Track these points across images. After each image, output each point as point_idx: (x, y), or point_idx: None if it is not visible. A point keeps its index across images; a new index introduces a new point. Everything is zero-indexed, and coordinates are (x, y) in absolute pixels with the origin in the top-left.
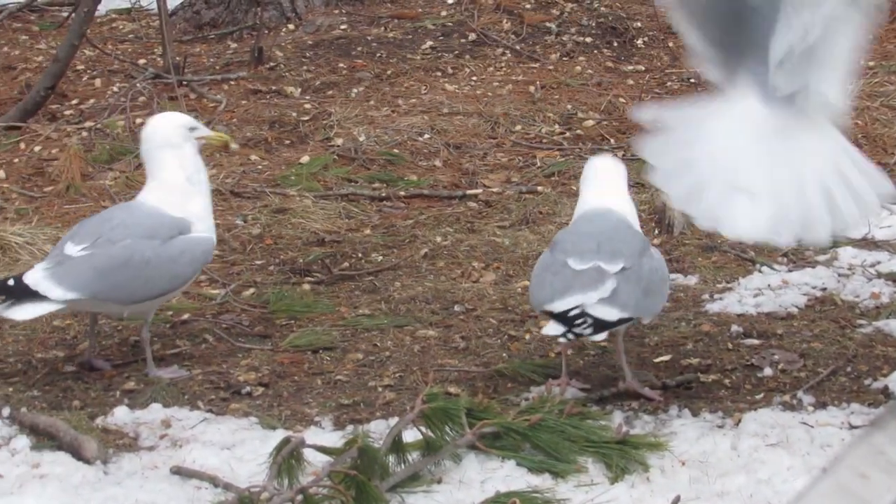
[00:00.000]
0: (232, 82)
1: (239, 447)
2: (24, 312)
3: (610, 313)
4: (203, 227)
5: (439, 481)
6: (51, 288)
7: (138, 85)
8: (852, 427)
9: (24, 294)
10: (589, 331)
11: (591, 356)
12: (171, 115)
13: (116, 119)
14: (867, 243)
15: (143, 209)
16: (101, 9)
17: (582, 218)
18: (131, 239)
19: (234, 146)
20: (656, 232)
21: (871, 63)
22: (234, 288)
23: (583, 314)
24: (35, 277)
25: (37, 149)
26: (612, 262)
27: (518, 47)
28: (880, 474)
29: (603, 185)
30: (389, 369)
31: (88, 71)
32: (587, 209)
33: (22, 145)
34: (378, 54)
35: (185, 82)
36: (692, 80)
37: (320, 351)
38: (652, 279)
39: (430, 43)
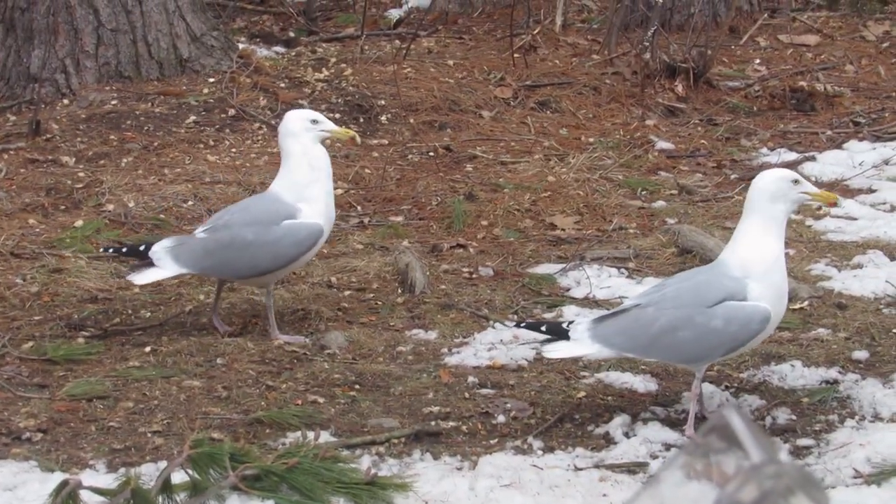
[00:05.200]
0: (11, 152)
1: (20, 488)
2: (144, 278)
3: None
4: (313, 212)
5: None
6: (167, 263)
7: None
8: (577, 469)
9: (146, 263)
10: None
11: (340, 404)
12: (298, 110)
13: None
14: (589, 302)
15: (263, 197)
16: None
17: None
18: (238, 224)
19: (359, 141)
20: (399, 291)
21: (591, 139)
22: (15, 341)
23: None
24: (157, 251)
25: None
26: None
27: (273, 122)
28: None
29: None
30: (158, 416)
31: None
32: None
33: None
34: (146, 127)
35: None
36: (431, 154)
37: (94, 400)
38: None
39: (193, 117)
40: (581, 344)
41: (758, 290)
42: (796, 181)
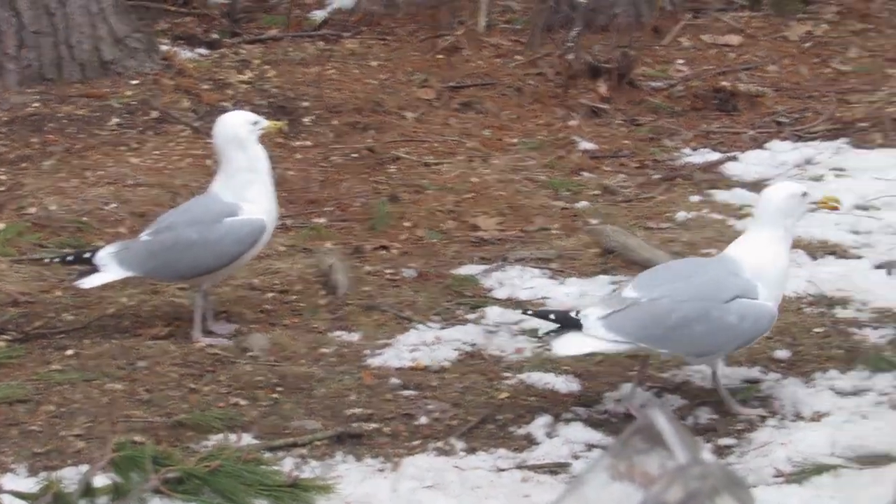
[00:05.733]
0: None
1: None
2: (90, 282)
3: None
4: (254, 209)
5: None
6: (113, 267)
7: None
8: (500, 470)
9: (92, 269)
10: None
11: (263, 407)
12: (235, 112)
13: None
14: (512, 303)
15: (204, 198)
16: None
17: None
18: (181, 225)
19: (286, 129)
20: (322, 293)
21: (515, 140)
22: None
23: None
24: (102, 256)
25: None
26: None
27: (196, 125)
28: None
29: None
30: (80, 420)
31: None
32: None
33: None
34: (68, 130)
35: None
36: (354, 156)
37: (15, 403)
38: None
39: (116, 120)
40: (596, 334)
41: (765, 293)
42: (804, 194)
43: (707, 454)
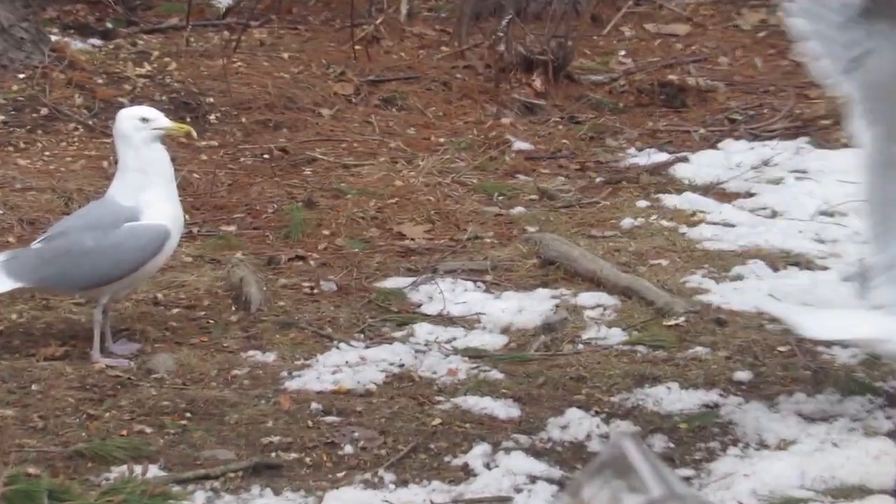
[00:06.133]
0: None
1: None
2: None
3: None
4: (156, 214)
5: None
6: (1, 278)
7: None
8: None
9: None
10: None
11: (170, 435)
12: (129, 108)
13: None
14: (442, 319)
15: (101, 202)
16: None
17: None
18: (75, 230)
19: (194, 134)
20: (233, 309)
21: (442, 140)
22: None
23: None
24: None
25: None
26: None
27: (91, 122)
28: None
29: None
30: None
31: None
32: None
33: None
34: None
35: None
36: (265, 157)
37: None
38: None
39: (1, 117)
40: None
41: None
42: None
43: (683, 485)
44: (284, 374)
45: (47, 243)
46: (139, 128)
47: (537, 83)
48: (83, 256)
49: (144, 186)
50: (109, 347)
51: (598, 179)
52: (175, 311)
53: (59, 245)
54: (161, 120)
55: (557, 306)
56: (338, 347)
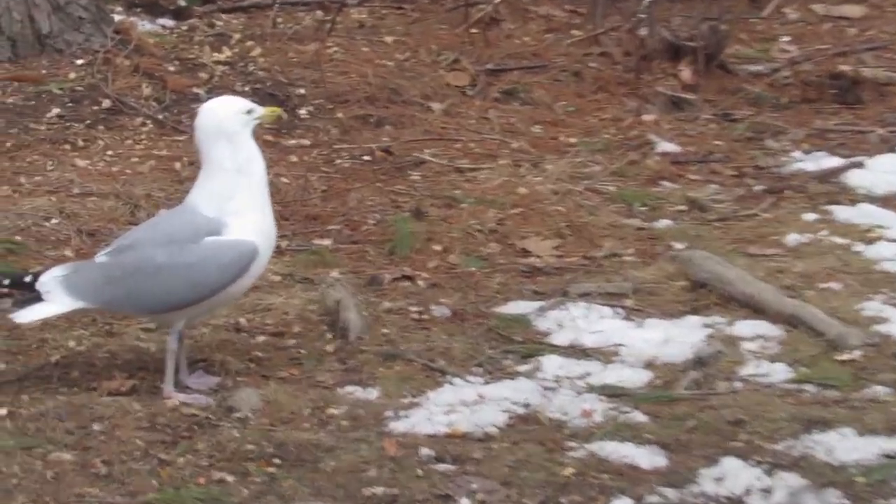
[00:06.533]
0: None
1: None
2: (30, 315)
3: None
4: (243, 227)
5: None
6: (59, 295)
7: None
8: None
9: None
10: None
11: (255, 484)
12: (223, 99)
13: None
14: (575, 351)
15: (178, 211)
16: None
17: None
18: (146, 243)
19: (284, 116)
20: (329, 337)
21: (573, 140)
22: None
23: None
24: (47, 281)
25: None
26: None
27: (161, 117)
28: None
29: None
30: (17, 500)
31: None
32: None
33: None
34: None
35: None
36: (366, 158)
37: None
38: None
39: (56, 110)
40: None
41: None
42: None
43: None
44: (389, 413)
45: (114, 257)
46: (246, 122)
47: (685, 74)
48: (154, 275)
49: (234, 193)
50: (184, 381)
51: (757, 188)
52: (261, 338)
53: (127, 260)
54: (258, 109)
55: (710, 337)
56: (451, 383)
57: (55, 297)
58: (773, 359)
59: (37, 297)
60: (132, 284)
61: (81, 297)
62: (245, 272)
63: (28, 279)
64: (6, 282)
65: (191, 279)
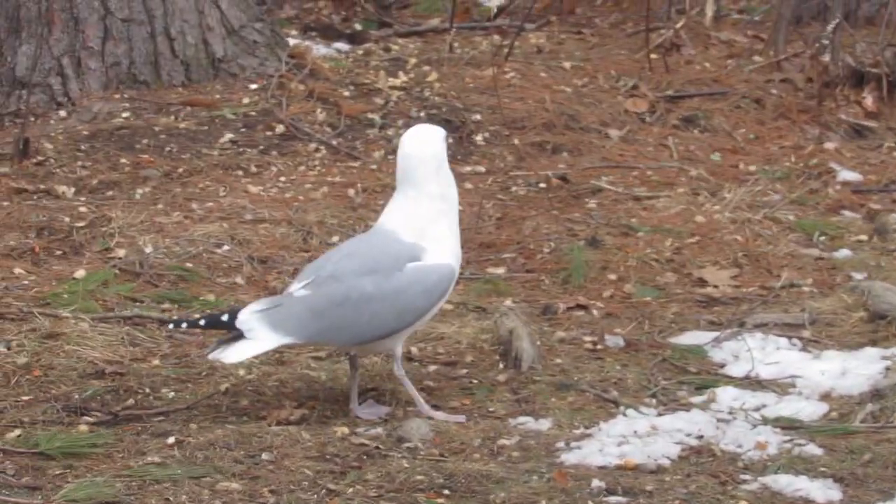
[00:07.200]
0: None
1: None
2: (237, 355)
3: None
4: (440, 251)
5: None
6: (264, 332)
7: None
8: None
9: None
10: None
11: None
12: (426, 126)
13: None
14: (750, 382)
15: (374, 237)
16: None
17: None
18: (349, 273)
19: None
20: (501, 366)
21: (753, 168)
22: None
23: None
24: (247, 319)
25: None
26: None
27: (335, 142)
28: None
29: None
30: None
31: None
32: None
33: None
34: (167, 148)
35: None
36: (542, 186)
37: None
38: None
39: (229, 136)
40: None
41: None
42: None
43: None
44: (561, 444)
45: (315, 289)
46: (446, 149)
47: (869, 101)
48: (364, 305)
49: (436, 219)
50: (354, 411)
51: None
52: (432, 368)
53: (334, 292)
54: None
55: (888, 369)
56: (625, 414)
57: (259, 335)
58: None
59: (239, 336)
60: (340, 316)
61: (287, 333)
62: (445, 295)
63: (225, 318)
64: (202, 322)
65: (398, 306)
